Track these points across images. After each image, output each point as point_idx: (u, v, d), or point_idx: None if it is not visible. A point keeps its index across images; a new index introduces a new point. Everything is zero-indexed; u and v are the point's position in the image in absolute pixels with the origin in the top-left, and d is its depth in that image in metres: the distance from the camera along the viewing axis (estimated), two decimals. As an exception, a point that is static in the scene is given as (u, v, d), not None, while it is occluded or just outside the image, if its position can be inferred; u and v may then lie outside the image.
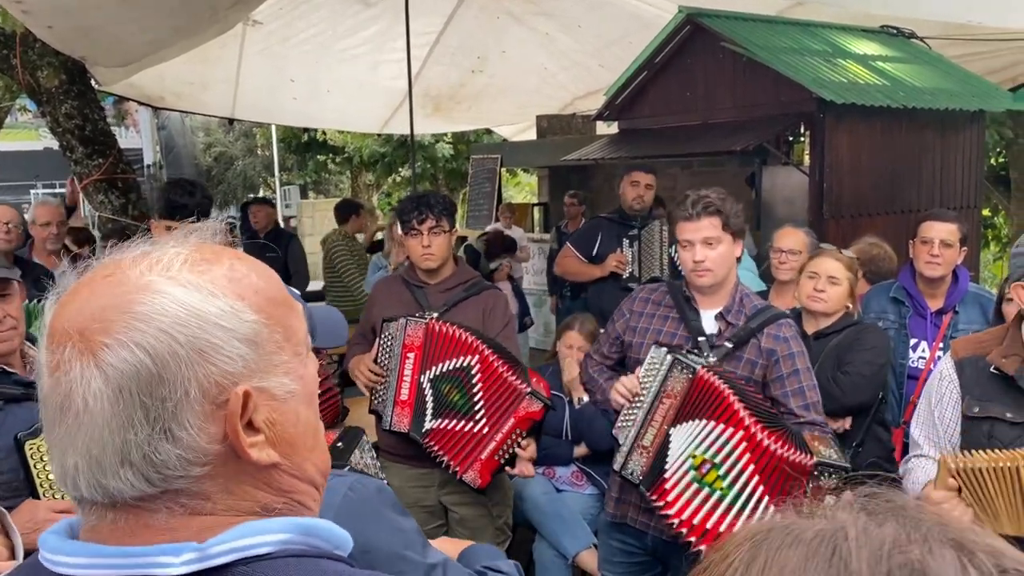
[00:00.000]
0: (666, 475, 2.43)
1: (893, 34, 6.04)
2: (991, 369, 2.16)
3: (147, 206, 6.80)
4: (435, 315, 2.96)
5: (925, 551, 0.52)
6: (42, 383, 0.79)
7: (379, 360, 2.98)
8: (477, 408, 2.86)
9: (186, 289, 0.78)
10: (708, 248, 2.50)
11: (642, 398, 2.52)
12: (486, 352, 2.84)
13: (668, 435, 2.44)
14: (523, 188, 17.82)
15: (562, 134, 9.20)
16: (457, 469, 2.88)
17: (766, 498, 2.29)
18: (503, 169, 10.06)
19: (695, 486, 2.38)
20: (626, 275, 4.58)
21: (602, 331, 2.98)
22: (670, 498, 2.41)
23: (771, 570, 0.54)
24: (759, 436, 2.28)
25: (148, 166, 12.79)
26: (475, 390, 2.85)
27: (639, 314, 2.73)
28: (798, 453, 2.26)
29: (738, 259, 2.63)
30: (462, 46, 8.20)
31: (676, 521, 2.39)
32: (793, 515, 0.59)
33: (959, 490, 1.95)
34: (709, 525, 2.35)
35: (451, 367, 2.88)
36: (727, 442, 2.33)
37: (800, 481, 2.25)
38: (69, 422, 0.76)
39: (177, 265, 0.80)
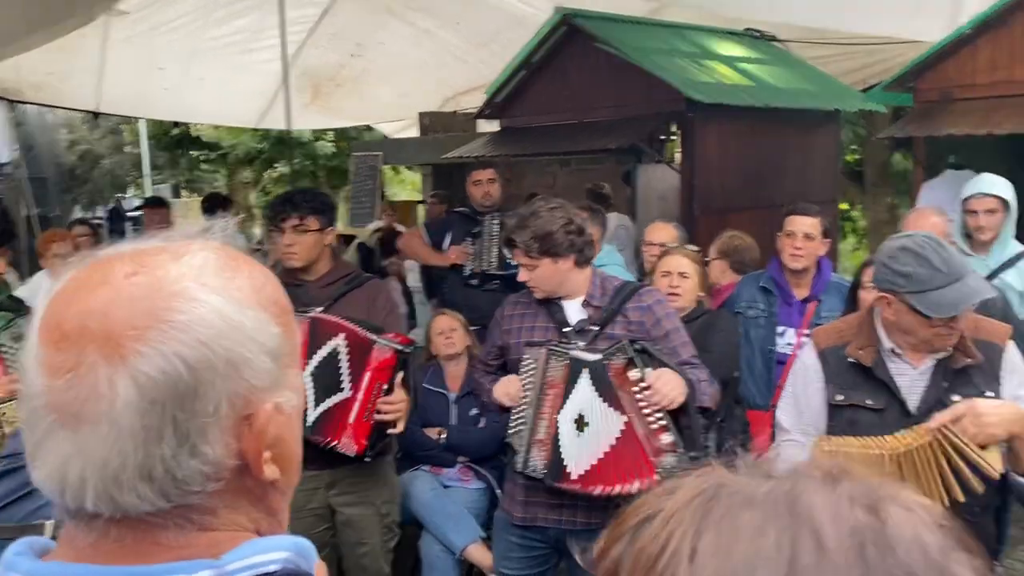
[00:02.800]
0: (563, 457, 2.50)
1: (756, 37, 6.35)
2: (850, 360, 2.31)
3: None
4: (319, 310, 2.93)
5: (885, 507, 0.53)
6: (36, 382, 0.72)
7: None
8: (343, 380, 2.85)
9: (221, 298, 0.74)
10: (529, 271, 2.67)
11: (527, 399, 2.61)
12: (350, 326, 2.84)
13: (558, 423, 2.54)
14: (407, 185, 17.71)
15: (444, 131, 9.21)
16: (330, 440, 2.85)
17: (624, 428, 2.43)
18: (386, 166, 9.98)
19: (577, 441, 2.48)
20: (468, 271, 4.67)
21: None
22: (574, 476, 2.49)
23: (726, 533, 0.53)
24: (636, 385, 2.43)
25: (3, 165, 11.97)
26: (342, 366, 2.85)
27: (510, 317, 2.83)
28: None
29: (582, 262, 2.69)
30: (340, 34, 8.10)
31: (595, 489, 2.48)
32: (723, 473, 0.58)
33: None
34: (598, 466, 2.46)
35: (325, 354, 2.87)
36: (605, 397, 2.48)
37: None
38: (85, 431, 0.70)
39: (209, 271, 0.76)
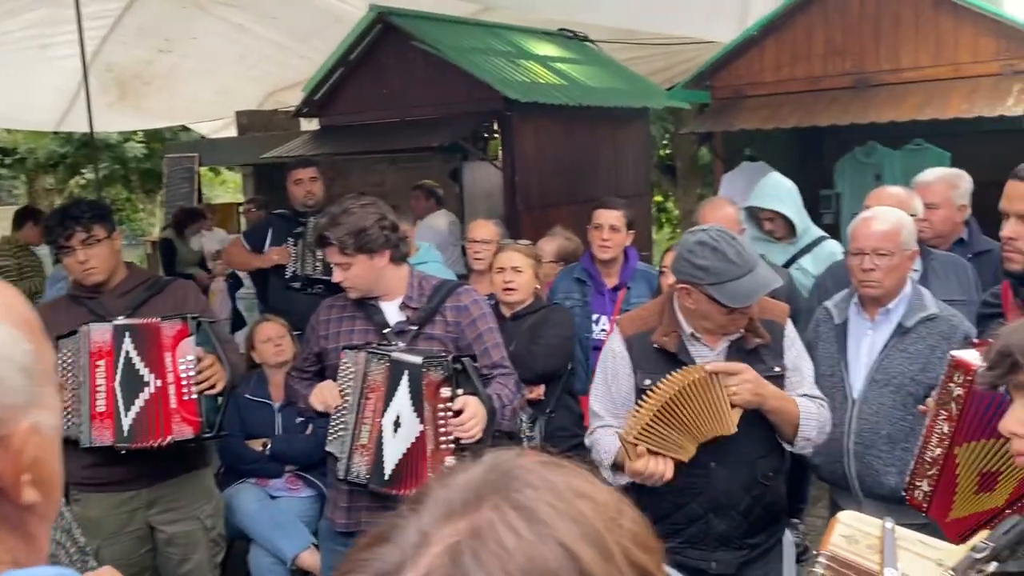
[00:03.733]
0: (384, 461, 2.49)
1: (569, 37, 6.59)
2: (655, 345, 2.44)
3: None
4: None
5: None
6: None
7: (64, 382, 2.72)
8: (145, 375, 2.73)
9: None
10: (343, 271, 2.63)
11: (347, 404, 2.57)
12: (128, 321, 2.73)
13: (382, 426, 2.51)
14: (229, 186, 16.98)
15: (264, 131, 8.91)
16: (161, 441, 2.71)
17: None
18: (204, 168, 9.55)
19: (397, 443, 2.48)
20: (289, 273, 4.55)
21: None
22: (393, 481, 2.48)
23: None
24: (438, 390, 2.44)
25: None
26: (137, 362, 2.73)
27: (327, 321, 2.77)
28: (410, 356, 2.47)
29: (398, 258, 2.69)
30: (146, 28, 7.65)
31: (404, 492, 2.47)
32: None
33: (649, 451, 2.21)
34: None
35: (124, 361, 2.74)
36: (413, 402, 2.48)
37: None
38: None
39: None
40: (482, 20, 6.20)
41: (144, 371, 2.73)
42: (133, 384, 2.73)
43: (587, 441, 2.59)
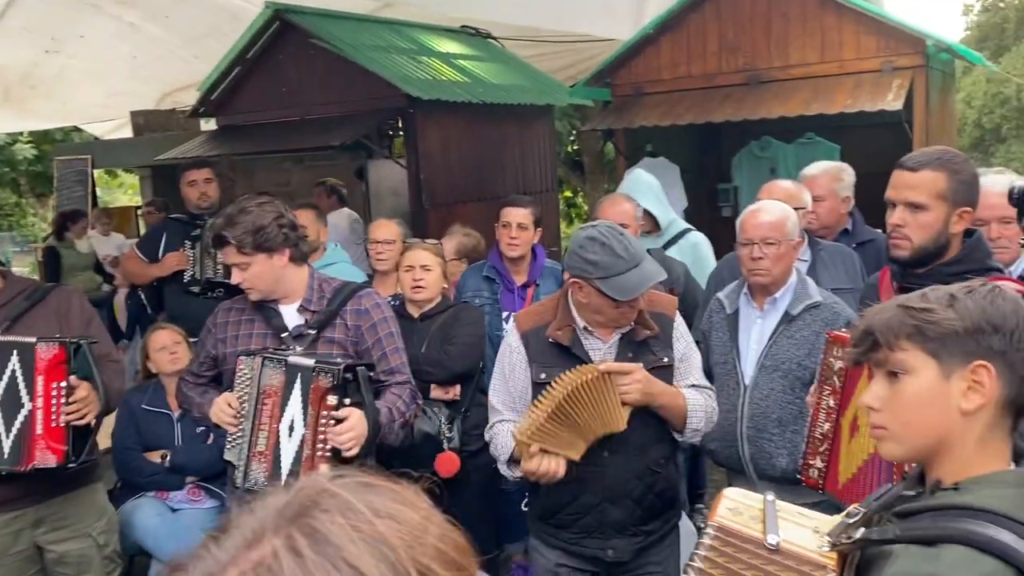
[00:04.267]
0: (281, 467, 2.45)
1: (472, 34, 6.59)
2: (550, 339, 2.49)
3: None
4: None
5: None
6: None
7: None
8: (23, 396, 2.62)
9: None
10: (242, 271, 2.59)
11: (244, 411, 2.52)
12: (28, 341, 2.61)
13: (279, 432, 2.47)
14: (127, 189, 16.35)
15: (161, 131, 8.62)
16: (31, 464, 2.60)
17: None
18: (99, 170, 9.17)
19: (291, 447, 2.45)
20: (188, 277, 4.42)
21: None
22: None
23: None
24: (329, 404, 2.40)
25: None
26: (19, 382, 2.62)
27: (224, 325, 2.71)
28: (301, 358, 2.45)
29: (297, 257, 2.66)
30: (30, 27, 7.27)
31: None
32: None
33: (541, 450, 2.27)
34: None
35: (5, 379, 2.61)
36: (303, 406, 2.45)
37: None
38: None
39: None
40: (384, 17, 6.14)
41: (23, 391, 2.61)
42: (12, 405, 2.60)
43: (486, 436, 2.63)
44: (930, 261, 2.09)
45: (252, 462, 2.48)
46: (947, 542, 1.09)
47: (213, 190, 4.52)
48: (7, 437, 2.60)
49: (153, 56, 7.96)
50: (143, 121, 8.86)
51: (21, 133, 12.91)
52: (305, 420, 2.42)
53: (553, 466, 2.26)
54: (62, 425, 2.61)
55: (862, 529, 1.20)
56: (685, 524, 2.81)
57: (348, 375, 2.41)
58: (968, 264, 2.03)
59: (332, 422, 2.38)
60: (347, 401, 2.40)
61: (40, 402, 2.59)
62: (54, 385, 2.60)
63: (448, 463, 3.19)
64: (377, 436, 2.49)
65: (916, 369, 1.20)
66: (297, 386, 2.45)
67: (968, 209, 2.06)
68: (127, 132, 9.24)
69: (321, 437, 2.39)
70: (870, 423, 1.29)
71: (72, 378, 2.62)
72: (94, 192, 9.04)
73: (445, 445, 3.22)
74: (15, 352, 2.61)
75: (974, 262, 2.04)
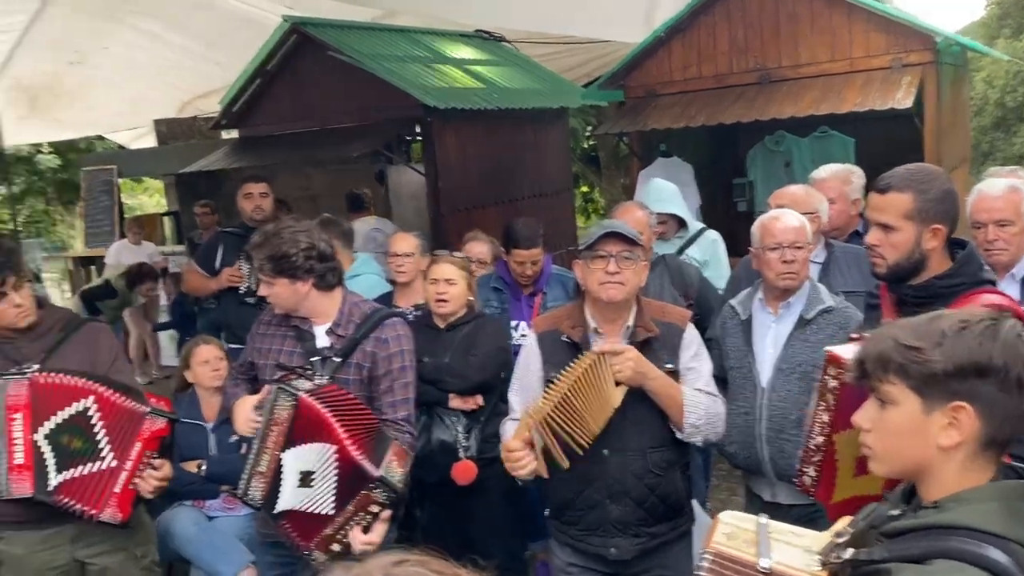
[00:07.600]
0: (280, 496, 2.56)
1: (485, 38, 6.66)
2: (563, 339, 2.61)
3: None
4: (36, 367, 2.74)
5: None
6: None
7: None
8: (102, 446, 2.73)
9: None
10: (267, 287, 2.71)
11: (257, 428, 2.61)
12: (100, 390, 2.72)
13: (280, 459, 2.56)
14: (154, 195, 16.58)
15: (184, 139, 8.78)
16: (93, 512, 2.72)
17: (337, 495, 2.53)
18: (125, 178, 9.34)
19: (301, 496, 2.56)
20: (243, 289, 4.55)
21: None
22: (288, 518, 2.57)
23: None
24: (350, 450, 2.48)
25: None
26: (97, 429, 2.72)
27: (262, 336, 2.82)
28: (370, 466, 2.50)
29: (323, 287, 2.73)
30: (56, 42, 7.45)
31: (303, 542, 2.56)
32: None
33: (531, 444, 2.38)
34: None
35: (68, 415, 2.72)
36: (325, 455, 2.52)
37: (364, 487, 2.48)
38: None
39: None
40: (397, 25, 6.23)
41: (104, 443, 2.71)
42: (82, 446, 2.70)
43: (500, 431, 2.78)
44: (908, 276, 2.14)
45: (253, 478, 2.59)
46: (936, 558, 1.15)
47: (268, 204, 4.65)
48: (58, 474, 2.70)
49: (172, 64, 8.13)
50: (166, 129, 9.03)
51: (43, 144, 13.12)
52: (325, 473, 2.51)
53: (530, 460, 2.38)
54: (136, 490, 2.72)
55: (850, 550, 1.28)
56: (701, 517, 2.92)
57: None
58: (961, 277, 2.09)
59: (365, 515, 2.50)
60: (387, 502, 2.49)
61: (130, 465, 2.70)
62: (146, 455, 2.71)
63: (465, 471, 3.28)
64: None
65: (900, 402, 1.27)
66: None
67: (939, 226, 2.10)
68: (150, 141, 9.41)
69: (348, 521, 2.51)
70: (861, 441, 1.37)
71: (164, 462, 2.75)
72: (120, 201, 9.21)
73: (462, 454, 3.31)
74: (91, 398, 2.70)
75: (966, 275, 2.10)
